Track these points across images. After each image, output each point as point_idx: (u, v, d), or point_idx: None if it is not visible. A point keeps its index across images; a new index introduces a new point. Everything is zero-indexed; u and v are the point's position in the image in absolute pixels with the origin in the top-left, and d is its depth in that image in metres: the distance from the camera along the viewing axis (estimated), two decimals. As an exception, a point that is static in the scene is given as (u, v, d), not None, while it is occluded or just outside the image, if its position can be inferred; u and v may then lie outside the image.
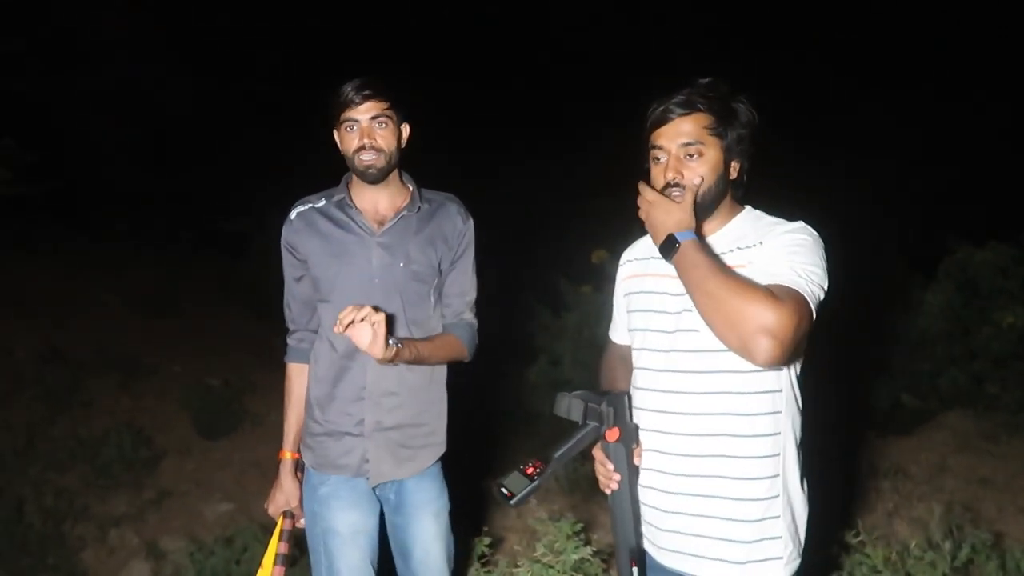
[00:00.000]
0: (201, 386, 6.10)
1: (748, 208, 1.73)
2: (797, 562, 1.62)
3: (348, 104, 2.01)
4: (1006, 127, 8.72)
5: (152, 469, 5.46)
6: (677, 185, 1.61)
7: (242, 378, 6.38)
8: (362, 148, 2.03)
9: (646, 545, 1.74)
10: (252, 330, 7.82)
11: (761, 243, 1.58)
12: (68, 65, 10.06)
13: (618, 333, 1.93)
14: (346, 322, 1.82)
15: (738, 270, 1.55)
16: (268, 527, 4.20)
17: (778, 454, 1.58)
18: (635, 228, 1.85)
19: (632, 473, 1.67)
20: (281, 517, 2.25)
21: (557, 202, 8.67)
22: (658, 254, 1.68)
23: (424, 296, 2.15)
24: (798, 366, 1.61)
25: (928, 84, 9.45)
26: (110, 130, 10.27)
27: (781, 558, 1.58)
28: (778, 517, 1.58)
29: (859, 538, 2.65)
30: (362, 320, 1.81)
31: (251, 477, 5.41)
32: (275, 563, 2.20)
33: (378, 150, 2.03)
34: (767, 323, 1.36)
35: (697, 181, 1.60)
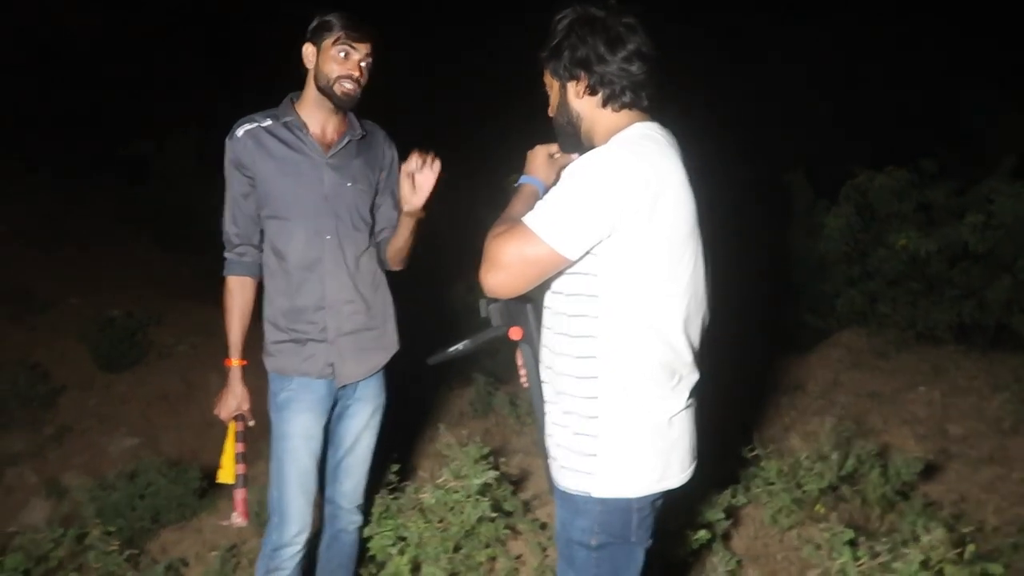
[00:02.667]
0: (101, 318, 5.84)
1: (635, 126, 1.63)
2: (626, 490, 1.62)
3: (352, 35, 2.19)
4: (920, 56, 8.93)
5: (50, 405, 5.26)
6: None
7: (147, 309, 6.14)
8: (348, 77, 2.21)
9: None
10: (155, 259, 7.52)
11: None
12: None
13: None
14: (412, 166, 2.14)
15: None
16: (176, 461, 4.14)
17: (595, 377, 1.61)
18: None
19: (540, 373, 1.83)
20: (233, 421, 2.40)
21: (478, 121, 8.50)
22: None
23: (366, 213, 2.38)
24: (634, 295, 1.56)
25: (846, 12, 9.56)
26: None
27: (592, 475, 1.62)
28: (596, 436, 1.61)
29: (754, 452, 2.77)
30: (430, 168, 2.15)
31: (158, 410, 5.27)
32: (236, 461, 2.39)
33: (359, 84, 2.24)
34: (486, 255, 1.55)
35: (553, 114, 1.77)
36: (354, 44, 2.20)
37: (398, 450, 3.13)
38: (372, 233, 2.42)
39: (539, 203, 1.57)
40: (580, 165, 1.56)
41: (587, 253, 1.54)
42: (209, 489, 3.89)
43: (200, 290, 6.92)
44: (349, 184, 2.31)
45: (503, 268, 1.52)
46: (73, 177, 8.55)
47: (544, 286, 1.69)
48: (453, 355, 1.91)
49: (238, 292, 2.34)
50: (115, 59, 10.06)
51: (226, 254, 2.35)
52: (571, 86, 1.68)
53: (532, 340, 1.85)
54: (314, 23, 2.23)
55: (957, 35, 8.84)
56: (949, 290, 4.56)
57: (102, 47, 10.10)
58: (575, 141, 1.75)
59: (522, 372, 1.91)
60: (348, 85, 2.22)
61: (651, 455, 1.63)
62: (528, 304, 1.84)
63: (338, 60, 2.20)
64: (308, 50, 2.25)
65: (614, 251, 1.54)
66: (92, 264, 7.07)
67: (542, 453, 1.84)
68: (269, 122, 2.27)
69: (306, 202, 2.26)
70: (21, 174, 8.46)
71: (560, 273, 1.61)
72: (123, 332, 5.75)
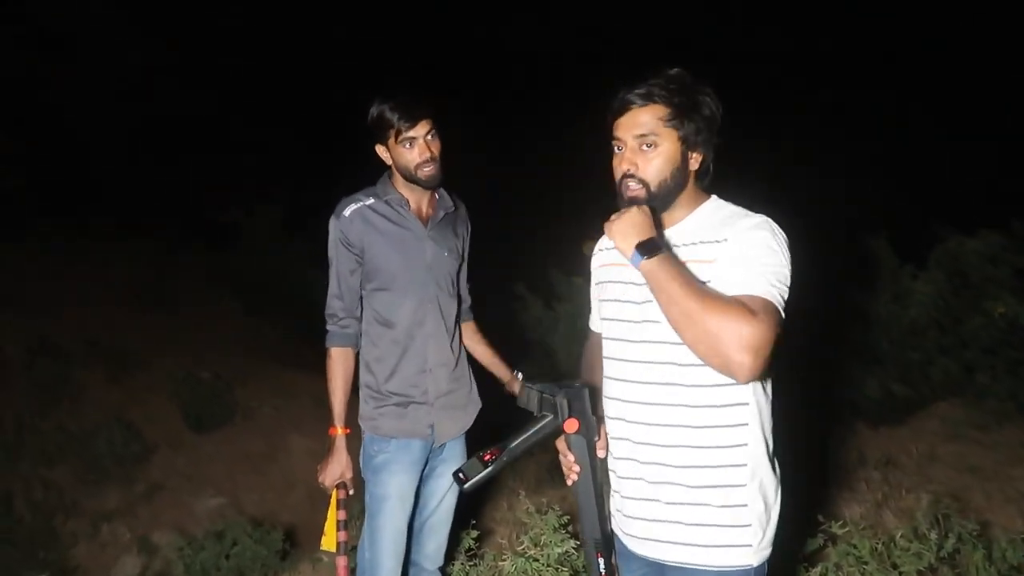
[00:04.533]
0: (191, 379, 6.09)
1: (713, 198, 1.69)
2: (768, 551, 1.59)
3: (406, 124, 2.25)
4: (998, 116, 8.70)
5: (143, 463, 5.46)
6: (633, 176, 1.61)
7: (233, 371, 6.37)
8: (425, 162, 2.28)
9: (619, 533, 1.74)
10: (242, 322, 7.81)
11: (726, 240, 1.55)
12: (57, 56, 9.99)
13: (594, 322, 1.94)
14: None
15: (704, 266, 1.55)
16: (260, 521, 4.22)
17: (745, 444, 1.56)
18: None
19: (595, 465, 1.66)
20: (335, 489, 2.41)
21: (549, 190, 8.65)
22: None
23: (456, 277, 2.53)
24: (776, 355, 1.53)
25: (918, 71, 9.44)
26: (99, 121, 10.21)
27: (751, 546, 1.55)
28: (746, 506, 1.56)
29: (846, 529, 2.64)
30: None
31: (242, 471, 5.41)
32: (338, 529, 2.40)
33: (436, 161, 2.30)
34: (747, 341, 1.37)
35: (652, 174, 1.60)
36: (413, 132, 2.26)
37: (476, 515, 3.12)
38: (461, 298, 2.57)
39: (766, 274, 1.47)
40: (767, 230, 1.54)
41: None
42: (291, 551, 3.95)
43: (283, 353, 7.16)
44: (446, 254, 2.44)
45: (764, 347, 1.38)
46: (167, 244, 9.05)
47: (656, 359, 1.59)
48: (495, 472, 1.63)
49: (341, 362, 2.41)
50: (209, 130, 10.71)
51: (329, 327, 2.43)
52: (693, 154, 1.63)
53: (590, 430, 1.63)
54: (371, 119, 2.31)
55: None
56: (1050, 360, 4.33)
57: (196, 119, 10.78)
58: (662, 206, 1.64)
59: (575, 469, 1.65)
60: (427, 168, 2.30)
61: (778, 507, 1.62)
62: (586, 389, 1.64)
63: (405, 152, 2.29)
64: (380, 150, 2.35)
65: None
66: (184, 326, 7.40)
67: (595, 547, 1.68)
68: (372, 200, 2.38)
69: (412, 273, 2.37)
70: (120, 238, 9.01)
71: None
72: (211, 393, 5.97)
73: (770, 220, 1.58)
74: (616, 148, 1.66)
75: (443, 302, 2.43)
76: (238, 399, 6.11)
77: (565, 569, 2.45)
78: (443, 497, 2.49)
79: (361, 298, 2.44)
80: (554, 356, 5.72)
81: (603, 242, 1.89)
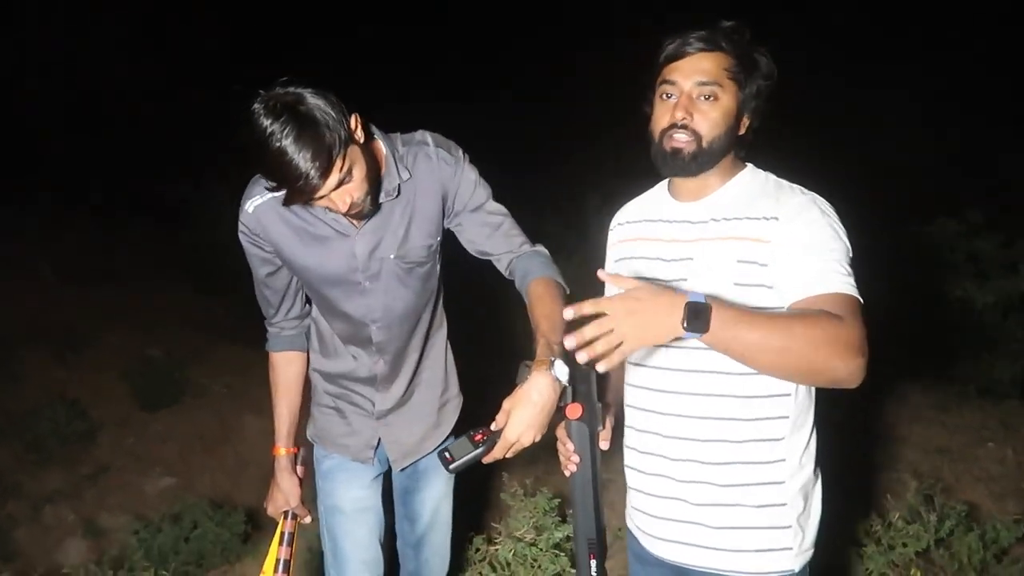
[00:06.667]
0: (141, 356, 5.83)
1: (750, 167, 1.57)
2: (810, 553, 1.52)
3: (308, 189, 1.58)
4: (957, 104, 8.92)
5: (88, 443, 5.20)
6: (685, 127, 1.44)
7: (184, 349, 6.12)
8: (345, 214, 1.73)
9: (638, 535, 1.64)
10: (193, 300, 7.52)
11: (776, 218, 1.41)
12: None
13: None
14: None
15: (757, 245, 1.41)
16: (216, 501, 4.05)
17: (783, 438, 1.46)
18: (628, 191, 1.76)
19: (596, 456, 1.55)
20: (282, 518, 2.08)
21: (532, 161, 8.54)
22: (652, 216, 1.62)
23: (422, 276, 1.93)
24: None
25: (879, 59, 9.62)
26: (41, 93, 9.69)
27: (791, 549, 1.47)
28: (785, 504, 1.47)
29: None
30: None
31: (194, 450, 5.21)
32: (275, 569, 2.02)
33: (359, 203, 1.69)
34: (850, 351, 1.23)
35: (707, 127, 1.44)
36: (321, 191, 1.60)
37: (457, 496, 3.03)
38: (438, 289, 2.05)
39: (839, 266, 1.35)
40: (823, 209, 1.43)
41: None
42: (252, 534, 3.81)
43: (235, 331, 6.92)
44: (392, 256, 1.86)
45: (863, 345, 1.24)
46: (114, 220, 8.64)
47: (695, 344, 1.34)
48: (486, 453, 1.51)
49: (281, 368, 2.05)
50: (156, 99, 10.27)
51: (267, 326, 2.07)
52: (744, 117, 1.51)
53: (594, 418, 1.53)
54: None
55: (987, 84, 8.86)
56: (1005, 344, 4.46)
57: (142, 88, 10.33)
58: (704, 167, 1.48)
59: (574, 459, 1.53)
60: (352, 213, 1.72)
61: (820, 506, 1.55)
62: (593, 372, 1.48)
63: (326, 204, 1.68)
64: None
65: None
66: (132, 304, 7.08)
67: (588, 548, 1.55)
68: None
69: (340, 282, 1.88)
70: (64, 214, 8.57)
71: None
72: (162, 371, 5.72)
73: (818, 196, 1.47)
74: (663, 96, 1.48)
75: (395, 315, 1.93)
76: (189, 377, 5.87)
77: (562, 555, 2.38)
78: (436, 508, 2.17)
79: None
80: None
81: (622, 215, 1.75)
